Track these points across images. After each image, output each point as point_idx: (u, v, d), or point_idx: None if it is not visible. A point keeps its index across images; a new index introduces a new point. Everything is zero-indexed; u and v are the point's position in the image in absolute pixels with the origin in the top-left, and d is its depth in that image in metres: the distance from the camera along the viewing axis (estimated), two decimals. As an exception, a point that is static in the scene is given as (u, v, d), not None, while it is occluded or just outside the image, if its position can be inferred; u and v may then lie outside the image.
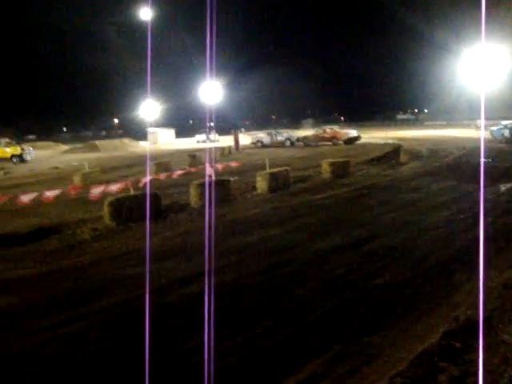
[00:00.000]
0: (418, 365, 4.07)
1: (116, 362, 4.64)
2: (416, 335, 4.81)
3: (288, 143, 39.12)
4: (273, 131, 42.42)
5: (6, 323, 5.75)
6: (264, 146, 39.12)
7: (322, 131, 38.56)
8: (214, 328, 4.16)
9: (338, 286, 6.36)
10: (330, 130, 38.36)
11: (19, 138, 57.93)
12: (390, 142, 34.03)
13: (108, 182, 14.45)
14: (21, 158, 36.81)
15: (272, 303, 5.89)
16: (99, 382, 4.37)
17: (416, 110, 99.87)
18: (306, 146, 37.04)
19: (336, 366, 4.35)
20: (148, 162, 20.76)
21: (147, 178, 13.08)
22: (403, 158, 21.79)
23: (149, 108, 50.61)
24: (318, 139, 37.70)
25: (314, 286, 6.41)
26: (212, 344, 4.00)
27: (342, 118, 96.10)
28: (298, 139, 39.14)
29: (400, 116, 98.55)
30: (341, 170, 17.23)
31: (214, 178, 12.63)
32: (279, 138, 39.83)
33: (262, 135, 41.67)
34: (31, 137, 77.14)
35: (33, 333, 5.37)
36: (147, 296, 5.07)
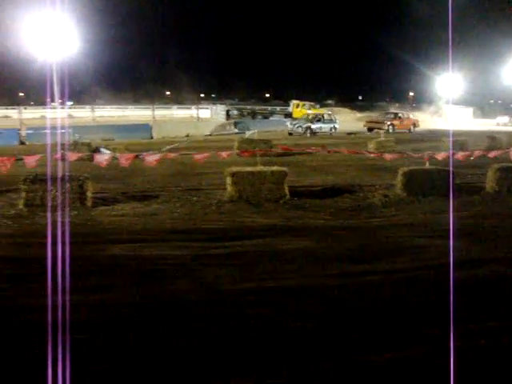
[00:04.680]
0: None
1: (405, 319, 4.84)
2: None
3: None
4: None
5: (307, 262, 6.46)
6: None
7: None
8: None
9: None
10: None
11: (319, 101, 61.92)
12: None
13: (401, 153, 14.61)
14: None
15: None
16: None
17: None
18: None
19: None
20: (451, 138, 20.24)
21: (446, 154, 12.81)
22: None
23: (447, 84, 48.81)
24: None
25: None
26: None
27: None
28: None
29: None
30: None
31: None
32: None
33: None
34: (330, 102, 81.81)
35: (327, 276, 5.95)
36: (451, 267, 5.10)
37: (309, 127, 33.07)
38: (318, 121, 34.15)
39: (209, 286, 5.64)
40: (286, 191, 10.09)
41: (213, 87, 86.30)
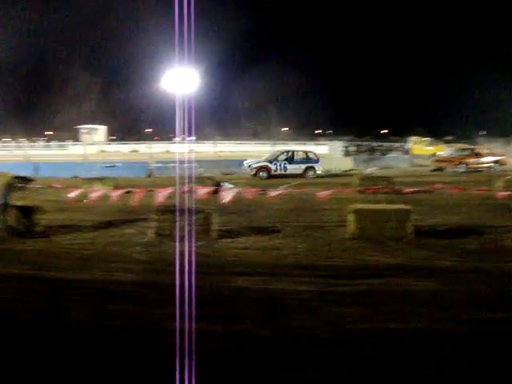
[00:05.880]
0: None
1: None
2: None
3: None
4: None
5: (434, 305, 6.20)
6: None
7: None
8: None
9: None
10: None
11: (438, 137, 59.91)
12: None
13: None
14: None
15: None
16: None
17: None
18: None
19: None
20: None
21: None
22: None
23: None
24: None
25: None
26: None
27: None
28: None
29: None
30: None
31: None
32: None
33: None
34: (449, 138, 78.78)
35: (456, 321, 5.66)
36: None
37: (264, 167, 26.06)
38: (286, 160, 26.50)
39: (332, 323, 5.61)
40: (410, 230, 9.82)
41: (328, 123, 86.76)
